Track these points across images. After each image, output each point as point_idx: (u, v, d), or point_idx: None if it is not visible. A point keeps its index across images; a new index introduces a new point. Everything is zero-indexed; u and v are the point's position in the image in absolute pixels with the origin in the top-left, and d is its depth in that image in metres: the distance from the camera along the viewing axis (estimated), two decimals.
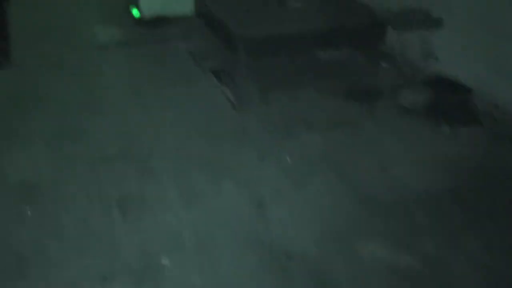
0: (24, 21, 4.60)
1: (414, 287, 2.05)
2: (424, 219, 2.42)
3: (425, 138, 3.17)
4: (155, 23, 4.50)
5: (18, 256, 2.10)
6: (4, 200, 2.44)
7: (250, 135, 3.12)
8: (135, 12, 4.53)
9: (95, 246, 2.18)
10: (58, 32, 4.47)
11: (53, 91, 3.54)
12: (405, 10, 3.95)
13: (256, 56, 3.78)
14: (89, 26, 4.58)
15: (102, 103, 3.41)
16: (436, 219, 2.42)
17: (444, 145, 3.07)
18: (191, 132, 3.13)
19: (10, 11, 3.94)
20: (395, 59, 3.88)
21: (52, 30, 4.52)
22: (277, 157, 2.88)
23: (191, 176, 2.69)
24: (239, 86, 3.54)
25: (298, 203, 2.54)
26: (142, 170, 2.71)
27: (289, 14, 4.17)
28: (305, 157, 2.90)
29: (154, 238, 2.24)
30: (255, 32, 3.85)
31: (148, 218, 2.37)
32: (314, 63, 3.84)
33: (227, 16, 4.13)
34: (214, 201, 2.53)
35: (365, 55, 3.93)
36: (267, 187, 2.63)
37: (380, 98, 3.60)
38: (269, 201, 2.52)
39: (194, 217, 2.40)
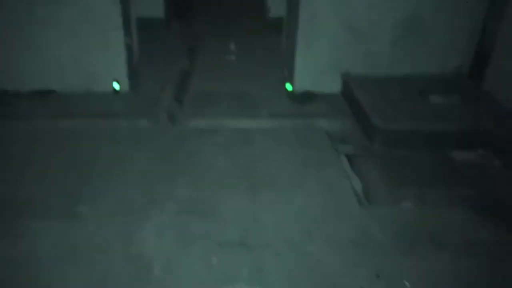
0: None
1: None
2: None
3: None
4: (304, 98, 5.01)
5: None
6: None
7: (370, 242, 3.07)
8: (289, 86, 5.12)
9: None
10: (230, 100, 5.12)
11: (201, 155, 4.05)
12: None
13: (391, 149, 4.03)
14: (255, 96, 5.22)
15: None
16: None
17: None
18: (308, 226, 3.17)
19: None
20: None
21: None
22: (394, 279, 2.76)
23: (300, 287, 2.70)
24: (369, 179, 3.77)
25: None
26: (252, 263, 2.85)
27: (429, 110, 4.34)
28: (425, 286, 2.72)
29: None
30: (393, 125, 4.12)
31: None
32: (448, 163, 3.86)
33: (367, 103, 4.48)
34: None
35: (503, 161, 3.88)
36: None
37: None
38: None
39: None
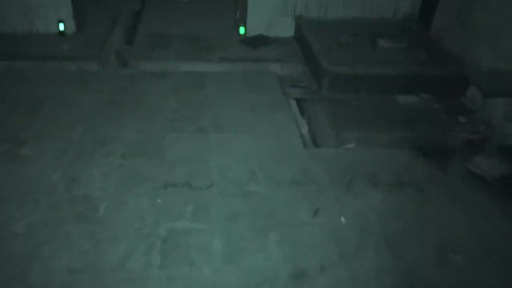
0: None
1: None
2: None
3: (494, 219, 2.95)
4: (257, 42, 4.97)
5: None
6: None
7: (311, 182, 3.20)
8: (242, 30, 5.05)
9: None
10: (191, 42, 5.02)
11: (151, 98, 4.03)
12: (494, 72, 3.99)
13: (339, 91, 4.11)
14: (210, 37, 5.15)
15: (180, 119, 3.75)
16: None
17: None
18: (253, 167, 3.26)
19: None
20: (474, 115, 3.95)
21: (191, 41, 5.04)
22: (331, 215, 2.91)
23: (240, 223, 2.80)
24: (317, 122, 3.87)
25: (341, 280, 2.49)
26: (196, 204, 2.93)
27: (377, 55, 4.42)
28: (360, 221, 2.87)
29: None
30: (341, 68, 4.17)
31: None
32: (393, 106, 4.00)
33: (317, 46, 4.50)
34: (255, 256, 2.60)
35: (443, 105, 4.05)
36: (312, 255, 2.62)
37: (451, 158, 3.54)
38: (311, 273, 2.50)
39: (231, 272, 2.51)
